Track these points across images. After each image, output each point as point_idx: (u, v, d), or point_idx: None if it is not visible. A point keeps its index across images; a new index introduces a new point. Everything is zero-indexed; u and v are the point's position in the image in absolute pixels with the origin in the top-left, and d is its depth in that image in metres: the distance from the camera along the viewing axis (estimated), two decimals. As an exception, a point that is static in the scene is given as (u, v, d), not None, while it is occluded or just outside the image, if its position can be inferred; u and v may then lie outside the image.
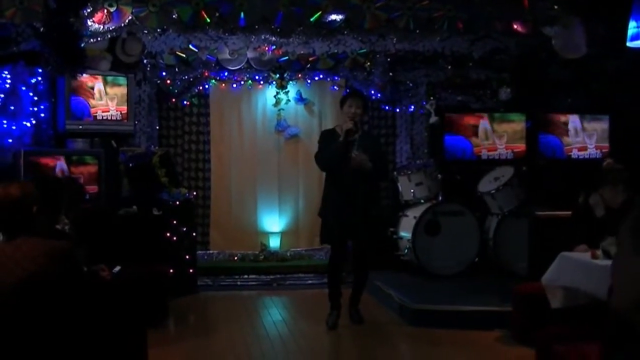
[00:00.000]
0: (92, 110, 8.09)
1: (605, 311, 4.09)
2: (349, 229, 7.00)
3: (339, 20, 7.54)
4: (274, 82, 10.20)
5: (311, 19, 7.47)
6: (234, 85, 10.29)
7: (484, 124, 9.29)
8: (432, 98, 9.83)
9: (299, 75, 10.25)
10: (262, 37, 7.75)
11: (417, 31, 7.73)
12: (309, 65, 10.05)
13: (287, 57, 9.70)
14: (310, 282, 9.47)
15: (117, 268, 5.31)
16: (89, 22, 7.10)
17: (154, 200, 8.26)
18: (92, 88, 8.11)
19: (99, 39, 7.37)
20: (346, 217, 6.95)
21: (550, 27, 7.75)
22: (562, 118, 9.25)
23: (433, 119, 9.57)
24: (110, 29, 7.17)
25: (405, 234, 9.00)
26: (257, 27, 7.45)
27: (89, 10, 7.02)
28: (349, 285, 7.47)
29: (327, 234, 7.19)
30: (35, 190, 3.43)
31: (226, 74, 10.03)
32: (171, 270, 7.87)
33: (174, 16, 7.21)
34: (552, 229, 6.85)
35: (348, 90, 9.93)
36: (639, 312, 3.32)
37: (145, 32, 7.54)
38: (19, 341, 3.17)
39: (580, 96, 9.32)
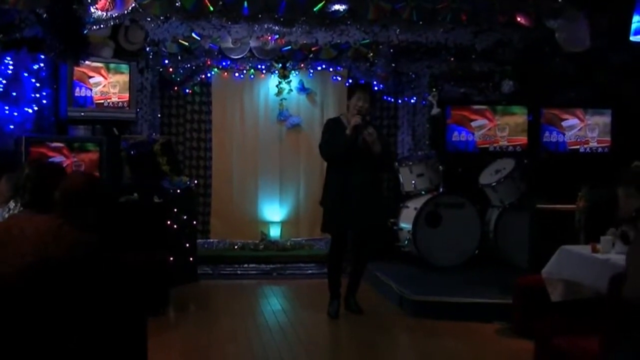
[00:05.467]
0: (95, 98, 8.08)
1: (606, 303, 4.10)
2: (349, 218, 7.01)
3: (342, 10, 7.51)
4: (277, 72, 10.18)
5: (314, 9, 7.43)
6: (237, 74, 10.27)
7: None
8: (434, 90, 9.81)
9: (302, 65, 10.21)
10: (265, 26, 7.72)
11: (421, 22, 7.70)
12: (311, 55, 10.00)
13: (289, 47, 9.66)
14: (310, 271, 9.48)
15: None
16: (92, 9, 7.06)
17: (155, 188, 8.27)
18: (94, 75, 8.10)
19: (101, 26, 7.33)
20: (347, 206, 6.96)
21: (553, 20, 7.73)
22: (565, 111, 9.27)
23: (435, 110, 9.56)
24: (113, 16, 7.13)
25: (406, 225, 8.99)
26: (260, 16, 7.42)
27: (92, -3, 7.01)
28: (347, 275, 7.49)
29: (328, 223, 7.21)
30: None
31: (229, 62, 9.98)
32: (171, 259, 7.88)
33: (177, 4, 7.16)
34: (553, 221, 6.87)
35: (350, 81, 9.95)
36: None
37: (148, 19, 7.50)
38: (22, 321, 3.20)
39: (583, 90, 9.32)
